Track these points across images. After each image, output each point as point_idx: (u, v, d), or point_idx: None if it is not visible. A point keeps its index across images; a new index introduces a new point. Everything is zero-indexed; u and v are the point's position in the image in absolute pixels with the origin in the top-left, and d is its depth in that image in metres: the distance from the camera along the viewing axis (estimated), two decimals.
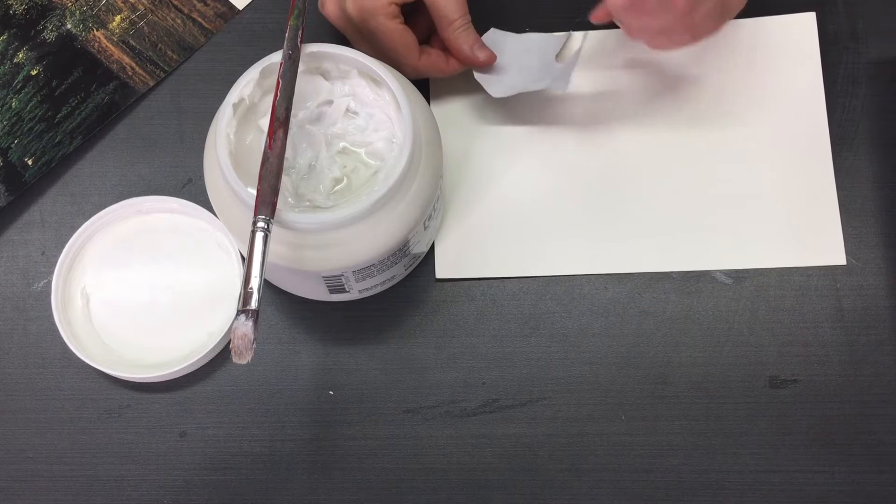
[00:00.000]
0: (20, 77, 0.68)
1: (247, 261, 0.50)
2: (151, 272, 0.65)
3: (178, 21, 0.70)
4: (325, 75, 0.57)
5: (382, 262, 0.57)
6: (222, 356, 0.64)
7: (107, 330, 0.64)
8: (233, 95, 0.54)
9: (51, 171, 0.67)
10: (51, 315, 0.63)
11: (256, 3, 0.70)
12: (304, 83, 0.57)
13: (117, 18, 0.70)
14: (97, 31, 0.69)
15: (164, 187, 0.67)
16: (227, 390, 0.64)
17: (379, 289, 0.62)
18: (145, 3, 0.70)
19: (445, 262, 0.65)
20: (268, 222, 0.51)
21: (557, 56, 0.65)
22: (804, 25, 0.68)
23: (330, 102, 0.58)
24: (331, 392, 0.63)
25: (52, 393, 0.64)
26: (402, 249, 0.58)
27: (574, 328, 0.64)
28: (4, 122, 0.67)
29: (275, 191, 0.51)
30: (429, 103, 0.60)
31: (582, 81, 0.67)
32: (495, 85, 0.64)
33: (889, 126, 0.67)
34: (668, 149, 0.66)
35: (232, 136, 0.54)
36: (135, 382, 0.63)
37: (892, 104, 0.67)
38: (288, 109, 0.53)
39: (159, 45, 0.69)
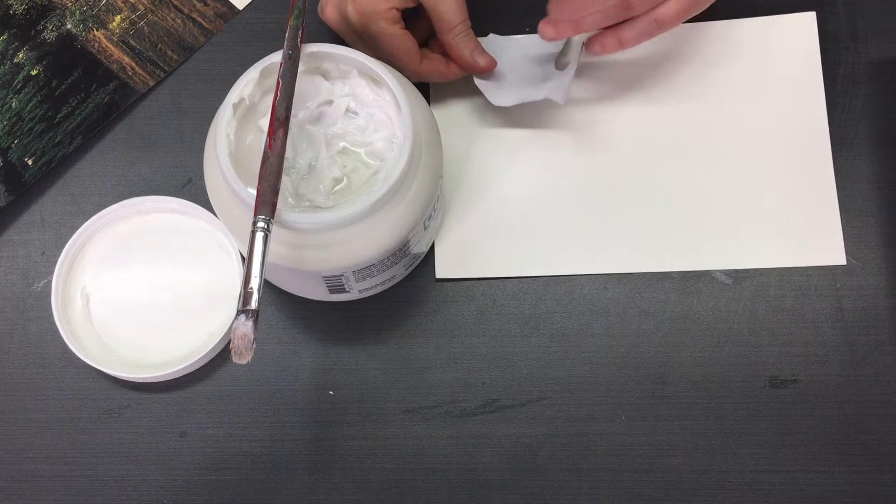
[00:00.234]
0: (20, 77, 0.68)
1: (247, 261, 0.50)
2: (151, 272, 0.65)
3: (178, 21, 0.70)
4: (325, 75, 0.57)
5: (382, 262, 0.57)
6: (222, 356, 0.64)
7: (107, 330, 0.64)
8: (233, 95, 0.54)
9: (51, 171, 0.67)
10: (51, 315, 0.63)
11: (256, 3, 0.70)
12: (304, 83, 0.57)
13: (117, 18, 0.70)
14: (97, 31, 0.69)
15: (164, 187, 0.67)
16: (227, 390, 0.64)
17: (379, 289, 0.62)
18: (145, 3, 0.70)
19: (445, 262, 0.65)
20: (268, 222, 0.51)
21: (557, 60, 0.65)
22: (804, 25, 0.68)
23: (330, 102, 0.58)
24: (331, 392, 0.63)
25: (52, 393, 0.64)
26: (402, 249, 0.58)
27: (574, 328, 0.64)
28: (4, 122, 0.67)
29: (275, 191, 0.51)
30: (429, 104, 0.60)
31: (581, 82, 0.67)
32: (496, 92, 0.65)
33: (889, 126, 0.67)
34: (668, 148, 0.66)
35: (232, 136, 0.54)
36: (135, 382, 0.63)
37: (892, 104, 0.67)
38: (288, 109, 0.53)
39: (159, 45, 0.69)
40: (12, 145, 0.67)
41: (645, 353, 0.63)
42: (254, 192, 0.52)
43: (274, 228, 0.51)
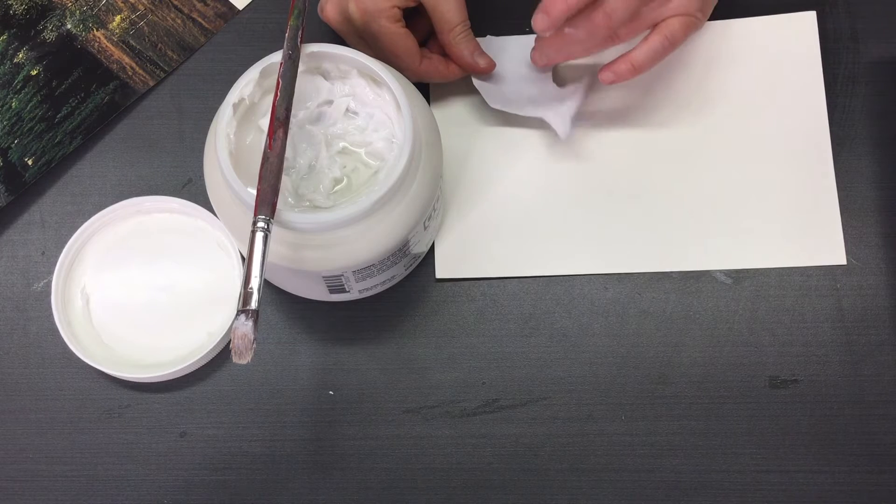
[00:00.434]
0: (20, 77, 0.68)
1: (247, 261, 0.50)
2: (151, 272, 0.65)
3: (178, 21, 0.70)
4: (325, 75, 0.57)
5: (382, 262, 0.57)
6: (222, 356, 0.64)
7: (107, 330, 0.64)
8: (233, 95, 0.54)
9: (51, 171, 0.67)
10: (51, 315, 0.63)
11: (256, 3, 0.70)
12: (304, 83, 0.57)
13: (117, 18, 0.70)
14: (97, 31, 0.69)
15: (164, 187, 0.67)
16: (227, 390, 0.64)
17: (379, 289, 0.63)
18: (145, 3, 0.70)
19: (445, 262, 0.65)
20: (268, 222, 0.51)
21: (554, 75, 0.66)
22: (804, 24, 0.68)
23: (330, 102, 0.57)
24: (331, 392, 0.63)
25: (52, 393, 0.64)
26: (402, 249, 0.58)
27: (574, 328, 0.64)
28: (4, 122, 0.67)
29: (275, 191, 0.51)
30: (429, 104, 0.60)
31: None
32: (494, 95, 0.65)
33: (889, 126, 0.67)
34: (669, 149, 0.66)
35: (232, 136, 0.54)
36: (135, 382, 0.63)
37: (892, 104, 0.67)
38: (288, 109, 0.53)
39: (159, 45, 0.69)
40: (12, 145, 0.67)
41: (645, 353, 0.63)
42: (254, 192, 0.52)
43: (274, 228, 0.51)
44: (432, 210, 0.59)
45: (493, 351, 0.64)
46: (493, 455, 0.62)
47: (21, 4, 0.70)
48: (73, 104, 0.68)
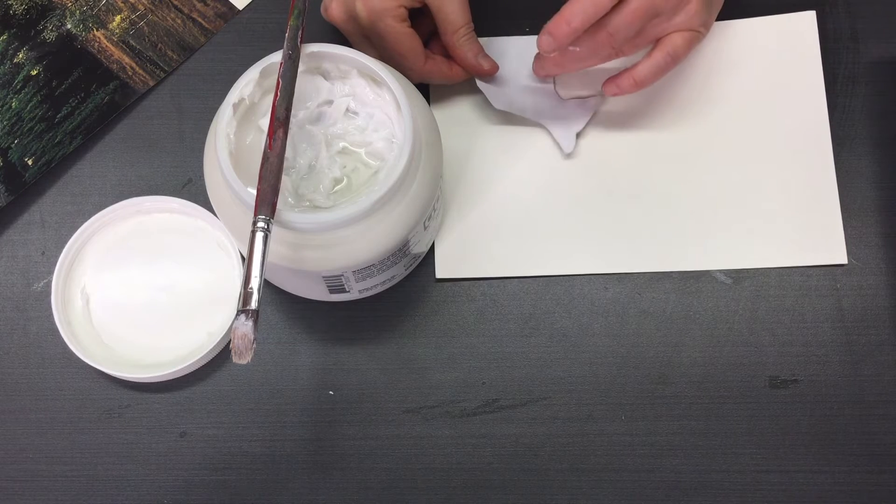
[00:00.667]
0: (20, 77, 0.68)
1: (247, 261, 0.50)
2: (151, 272, 0.65)
3: (178, 21, 0.70)
4: (325, 75, 0.57)
5: (382, 262, 0.57)
6: (222, 356, 0.64)
7: (107, 330, 0.64)
8: (233, 95, 0.54)
9: (51, 171, 0.67)
10: (51, 315, 0.63)
11: (256, 3, 0.70)
12: (304, 83, 0.57)
13: (117, 18, 0.70)
14: (97, 31, 0.69)
15: (164, 187, 0.67)
16: (227, 390, 0.64)
17: (379, 289, 0.62)
18: (145, 3, 0.70)
19: (445, 262, 0.65)
20: (268, 222, 0.51)
21: (556, 87, 0.66)
22: (804, 24, 0.68)
23: (330, 102, 0.57)
24: (331, 392, 0.63)
25: (52, 393, 0.64)
26: (402, 249, 0.58)
27: (574, 328, 0.64)
28: (4, 122, 0.67)
29: (275, 191, 0.51)
30: (429, 104, 0.60)
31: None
32: (498, 97, 0.65)
33: (889, 126, 0.67)
34: (669, 149, 0.66)
35: (232, 136, 0.54)
36: (135, 382, 0.63)
37: (892, 104, 0.67)
38: (288, 109, 0.53)
39: (159, 45, 0.69)
40: (12, 145, 0.67)
41: (645, 353, 0.63)
42: (254, 192, 0.52)
43: (274, 228, 0.51)
44: (432, 210, 0.59)
45: (493, 351, 0.64)
46: (493, 455, 0.62)
47: (21, 4, 0.70)
48: (73, 104, 0.68)
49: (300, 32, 0.55)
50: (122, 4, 0.70)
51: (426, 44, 0.65)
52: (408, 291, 0.65)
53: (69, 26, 0.69)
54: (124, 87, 0.68)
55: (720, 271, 0.65)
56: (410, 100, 0.55)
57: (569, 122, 0.66)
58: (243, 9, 0.70)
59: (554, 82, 0.66)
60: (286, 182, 0.55)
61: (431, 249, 0.65)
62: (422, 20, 0.64)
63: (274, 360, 0.64)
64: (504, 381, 0.63)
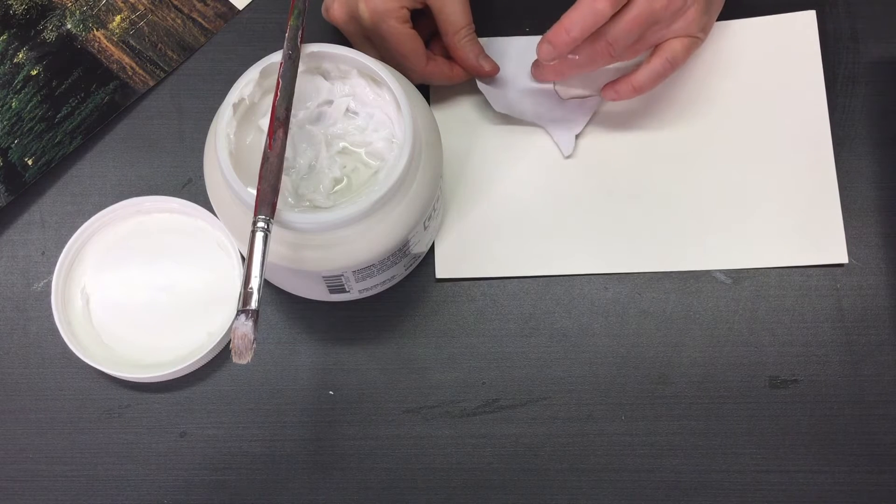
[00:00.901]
0: (20, 77, 0.68)
1: (247, 261, 0.50)
2: (151, 272, 0.65)
3: (178, 21, 0.70)
4: (325, 75, 0.57)
5: (382, 262, 0.57)
6: (222, 356, 0.64)
7: (107, 330, 0.64)
8: (233, 95, 0.54)
9: (51, 171, 0.67)
10: (51, 315, 0.63)
11: (256, 3, 0.70)
12: (304, 83, 0.57)
13: (117, 18, 0.70)
14: (97, 31, 0.69)
15: (164, 187, 0.67)
16: (227, 390, 0.64)
17: (379, 289, 0.62)
18: (145, 3, 0.70)
19: (445, 262, 0.65)
20: (268, 222, 0.51)
21: (556, 88, 0.66)
22: (804, 23, 0.68)
23: (330, 102, 0.57)
24: (331, 392, 0.63)
25: (52, 393, 0.64)
26: (402, 249, 0.58)
27: (574, 328, 0.64)
28: (4, 122, 0.67)
29: (275, 191, 0.51)
30: (429, 104, 0.60)
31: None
32: (498, 98, 0.66)
33: (889, 126, 0.67)
34: (669, 148, 0.66)
35: (232, 136, 0.54)
36: (135, 382, 0.63)
37: (892, 104, 0.67)
38: (288, 109, 0.53)
39: (159, 45, 0.69)
40: (12, 145, 0.67)
41: (645, 353, 0.63)
42: (254, 192, 0.52)
43: (274, 228, 0.51)
44: (432, 210, 0.59)
45: (493, 351, 0.64)
46: (493, 455, 0.62)
47: (21, 4, 0.70)
48: (73, 104, 0.68)
49: (300, 32, 0.55)
50: (122, 4, 0.70)
51: (426, 45, 0.65)
52: (408, 291, 0.65)
53: (69, 26, 0.69)
54: (124, 87, 0.68)
55: (720, 271, 0.65)
56: (410, 100, 0.55)
57: (568, 125, 0.66)
58: (243, 9, 0.70)
59: (553, 83, 0.66)
60: (286, 182, 0.55)
61: (431, 249, 0.65)
62: (422, 21, 0.64)
63: (274, 360, 0.64)
64: (504, 381, 0.63)
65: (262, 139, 0.55)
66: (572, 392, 0.63)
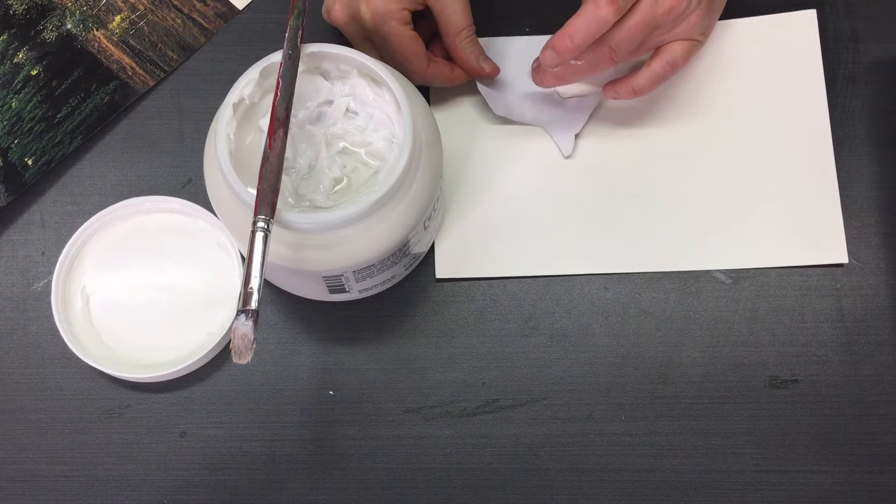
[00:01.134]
0: (20, 77, 0.68)
1: (247, 261, 0.50)
2: (151, 272, 0.65)
3: (178, 21, 0.70)
4: (325, 75, 0.57)
5: (382, 262, 0.57)
6: (222, 356, 0.64)
7: (107, 330, 0.64)
8: (233, 95, 0.54)
9: (51, 171, 0.67)
10: (51, 315, 0.63)
11: (256, 3, 0.70)
12: (304, 83, 0.57)
13: (117, 18, 0.70)
14: (97, 31, 0.69)
15: (164, 187, 0.67)
16: (227, 390, 0.64)
17: (379, 289, 0.62)
18: (145, 3, 0.70)
19: (445, 262, 0.65)
20: (268, 222, 0.51)
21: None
22: (804, 23, 0.68)
23: (330, 102, 0.57)
24: (331, 392, 0.63)
25: (52, 393, 0.64)
26: (402, 249, 0.58)
27: (574, 328, 0.64)
28: (4, 122, 0.67)
29: (275, 191, 0.51)
30: (429, 104, 0.60)
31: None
32: (498, 101, 0.66)
33: (889, 126, 0.67)
34: (669, 148, 0.66)
35: (232, 136, 0.54)
36: (135, 382, 0.63)
37: (892, 104, 0.67)
38: (288, 109, 0.53)
39: (159, 45, 0.69)
40: (12, 145, 0.67)
41: (645, 353, 0.63)
42: (254, 192, 0.52)
43: (274, 228, 0.51)
44: (432, 210, 0.59)
45: (493, 351, 0.64)
46: (493, 455, 0.62)
47: (21, 4, 0.70)
48: (73, 104, 0.68)
49: (300, 32, 0.55)
50: (122, 4, 0.70)
51: (426, 46, 0.65)
52: (408, 291, 0.65)
53: (69, 26, 0.69)
54: (124, 87, 0.68)
55: (720, 271, 0.65)
56: (410, 100, 0.55)
57: (568, 125, 0.66)
58: (243, 9, 0.70)
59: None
60: (286, 182, 0.55)
61: (431, 249, 0.65)
62: (423, 22, 0.64)
63: (274, 360, 0.64)
64: (504, 381, 0.63)
65: (262, 139, 0.55)
66: (572, 392, 0.63)
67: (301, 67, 0.55)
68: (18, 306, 0.65)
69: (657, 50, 0.61)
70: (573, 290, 0.65)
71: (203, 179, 0.57)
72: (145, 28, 0.70)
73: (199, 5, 0.70)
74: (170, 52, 0.69)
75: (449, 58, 0.65)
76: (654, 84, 0.62)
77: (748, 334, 0.64)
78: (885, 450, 0.61)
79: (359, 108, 0.57)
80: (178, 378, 0.63)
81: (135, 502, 0.62)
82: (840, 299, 0.64)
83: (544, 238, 0.65)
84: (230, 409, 0.63)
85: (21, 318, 0.65)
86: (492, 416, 0.63)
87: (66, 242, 0.64)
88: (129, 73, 0.69)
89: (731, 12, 0.67)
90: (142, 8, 0.70)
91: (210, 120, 0.56)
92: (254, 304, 0.49)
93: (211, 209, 0.59)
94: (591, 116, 0.66)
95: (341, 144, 0.57)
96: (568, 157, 0.66)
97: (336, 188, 0.56)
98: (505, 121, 0.67)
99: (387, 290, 0.63)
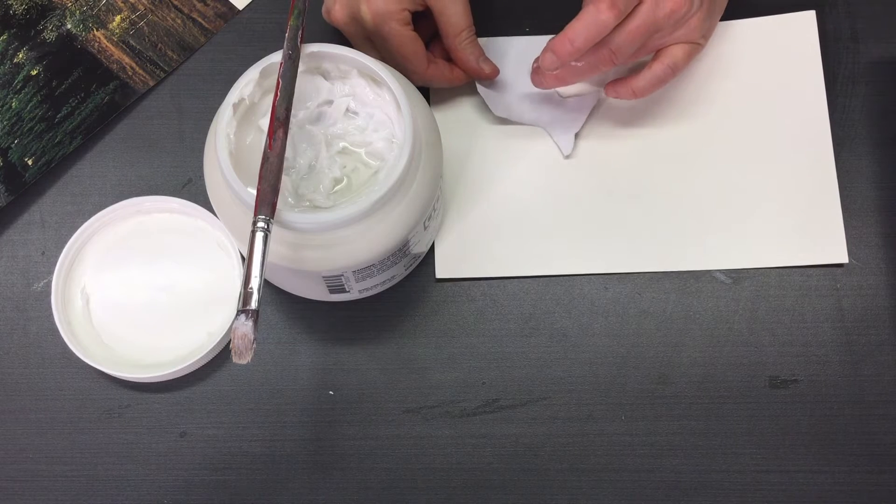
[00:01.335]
0: (20, 77, 0.68)
1: (247, 261, 0.50)
2: (151, 272, 0.65)
3: (178, 21, 0.70)
4: (325, 75, 0.57)
5: (382, 262, 0.57)
6: (222, 356, 0.64)
7: (107, 330, 0.64)
8: (233, 95, 0.54)
9: (51, 171, 0.67)
10: (51, 315, 0.63)
11: (256, 3, 0.70)
12: (304, 83, 0.57)
13: (117, 18, 0.70)
14: (97, 31, 0.69)
15: (164, 187, 0.67)
16: (227, 390, 0.64)
17: (379, 289, 0.62)
18: (145, 3, 0.70)
19: (445, 262, 0.65)
20: (268, 222, 0.51)
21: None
22: (804, 24, 0.68)
23: (330, 102, 0.57)
24: (331, 392, 0.63)
25: (52, 393, 0.64)
26: (402, 249, 0.58)
27: (574, 328, 0.64)
28: (4, 122, 0.67)
29: (275, 191, 0.51)
30: (429, 104, 0.60)
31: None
32: (497, 102, 0.66)
33: (889, 126, 0.67)
34: (669, 148, 0.66)
35: (232, 136, 0.54)
36: (135, 382, 0.63)
37: (892, 104, 0.67)
38: (288, 109, 0.53)
39: (159, 45, 0.69)
40: (12, 145, 0.67)
41: (645, 353, 0.63)
42: (254, 192, 0.52)
43: (274, 228, 0.51)
44: (432, 210, 0.59)
45: (493, 351, 0.64)
46: (493, 455, 0.62)
47: (21, 4, 0.70)
48: (73, 104, 0.68)
49: (300, 32, 0.55)
50: (122, 4, 0.70)
51: (426, 47, 0.65)
52: (408, 291, 0.65)
53: (69, 26, 0.69)
54: (124, 87, 0.68)
55: (720, 271, 0.65)
56: (410, 100, 0.55)
57: (567, 124, 0.66)
58: (243, 9, 0.70)
59: None
60: (286, 182, 0.55)
61: (431, 249, 0.65)
62: (423, 23, 0.64)
63: (274, 360, 0.64)
64: (504, 381, 0.63)
65: (262, 139, 0.55)
66: (572, 392, 0.63)
67: (301, 67, 0.55)
68: (18, 306, 0.65)
69: (658, 52, 0.61)
70: (573, 290, 0.65)
71: (203, 179, 0.57)
72: (145, 28, 0.70)
73: (199, 5, 0.70)
74: (170, 52, 0.69)
75: (449, 58, 0.65)
76: (654, 87, 0.62)
77: (748, 334, 0.64)
78: (885, 450, 0.61)
79: (359, 108, 0.57)
80: (178, 378, 0.63)
81: (135, 502, 0.62)
82: (840, 299, 0.64)
83: (544, 238, 0.65)
84: (230, 409, 0.63)
85: (21, 318, 0.65)
86: (492, 416, 0.63)
87: (66, 242, 0.64)
88: (129, 73, 0.69)
89: (731, 13, 0.67)
90: (142, 8, 0.70)
91: (210, 120, 0.56)
92: (254, 304, 0.49)
93: (211, 209, 0.59)
94: (591, 116, 0.66)
95: (341, 144, 0.57)
96: (568, 157, 0.66)
97: (336, 188, 0.56)
98: (505, 121, 0.67)
99: (387, 290, 0.63)
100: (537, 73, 0.63)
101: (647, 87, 0.62)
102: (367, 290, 0.62)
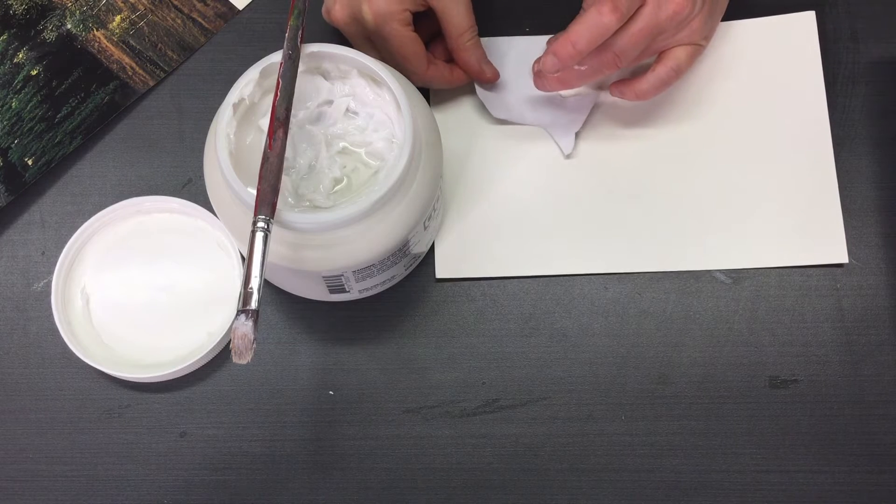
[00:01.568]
0: (20, 77, 0.68)
1: (247, 261, 0.50)
2: (151, 272, 0.65)
3: (178, 21, 0.70)
4: (325, 75, 0.57)
5: (382, 262, 0.57)
6: (222, 356, 0.64)
7: (107, 330, 0.64)
8: (233, 95, 0.54)
9: (51, 171, 0.67)
10: (51, 315, 0.63)
11: (256, 3, 0.70)
12: (304, 83, 0.57)
13: (117, 18, 0.70)
14: (97, 31, 0.69)
15: (164, 187, 0.67)
16: (227, 390, 0.64)
17: (379, 289, 0.62)
18: (145, 3, 0.70)
19: (445, 262, 0.65)
20: (268, 222, 0.51)
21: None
22: (804, 24, 0.68)
23: (330, 102, 0.57)
24: (331, 392, 0.63)
25: (52, 393, 0.64)
26: (402, 249, 0.58)
27: (574, 328, 0.64)
28: (4, 122, 0.67)
29: (275, 191, 0.51)
30: (429, 104, 0.60)
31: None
32: (497, 104, 0.66)
33: (889, 126, 0.67)
34: (669, 149, 0.66)
35: (232, 136, 0.54)
36: (135, 382, 0.63)
37: (892, 104, 0.67)
38: (288, 109, 0.53)
39: (159, 45, 0.69)
40: (12, 145, 0.67)
41: (645, 353, 0.63)
42: (254, 192, 0.52)
43: (274, 228, 0.51)
44: (432, 210, 0.59)
45: (493, 351, 0.64)
46: (493, 455, 0.62)
47: (21, 4, 0.70)
48: (73, 104, 0.68)
49: (300, 32, 0.55)
50: (122, 4, 0.70)
51: (426, 48, 0.65)
52: (408, 291, 0.65)
53: (69, 26, 0.69)
54: (124, 87, 0.68)
55: (720, 271, 0.65)
56: (410, 100, 0.55)
57: (568, 124, 0.66)
58: (243, 9, 0.70)
59: None
60: (286, 182, 0.55)
61: (431, 249, 0.65)
62: (423, 23, 0.64)
63: (274, 360, 0.64)
64: (504, 381, 0.63)
65: (262, 139, 0.55)
66: (572, 392, 0.63)
67: (301, 67, 0.55)
68: (18, 306, 0.65)
69: (661, 55, 0.61)
70: (573, 290, 0.65)
71: (203, 179, 0.57)
72: (145, 28, 0.70)
73: (199, 5, 0.70)
74: (170, 52, 0.69)
75: (449, 59, 0.65)
76: (658, 89, 0.62)
77: (748, 334, 0.64)
78: (885, 450, 0.61)
79: (359, 108, 0.57)
80: (178, 378, 0.63)
81: (135, 502, 0.62)
82: (840, 299, 0.64)
83: (544, 238, 0.65)
84: (230, 409, 0.63)
85: (21, 318, 0.65)
86: (492, 416, 0.63)
87: (66, 242, 0.64)
88: (129, 73, 0.69)
89: (731, 14, 0.67)
90: (142, 8, 0.70)
91: (210, 120, 0.56)
92: (254, 304, 0.49)
93: (211, 209, 0.59)
94: (592, 116, 0.66)
95: (341, 144, 0.57)
96: (568, 157, 0.66)
97: (336, 188, 0.56)
98: (505, 121, 0.67)
99: (387, 290, 0.63)
100: (539, 75, 0.63)
101: (651, 90, 0.62)
102: (367, 290, 0.62)
